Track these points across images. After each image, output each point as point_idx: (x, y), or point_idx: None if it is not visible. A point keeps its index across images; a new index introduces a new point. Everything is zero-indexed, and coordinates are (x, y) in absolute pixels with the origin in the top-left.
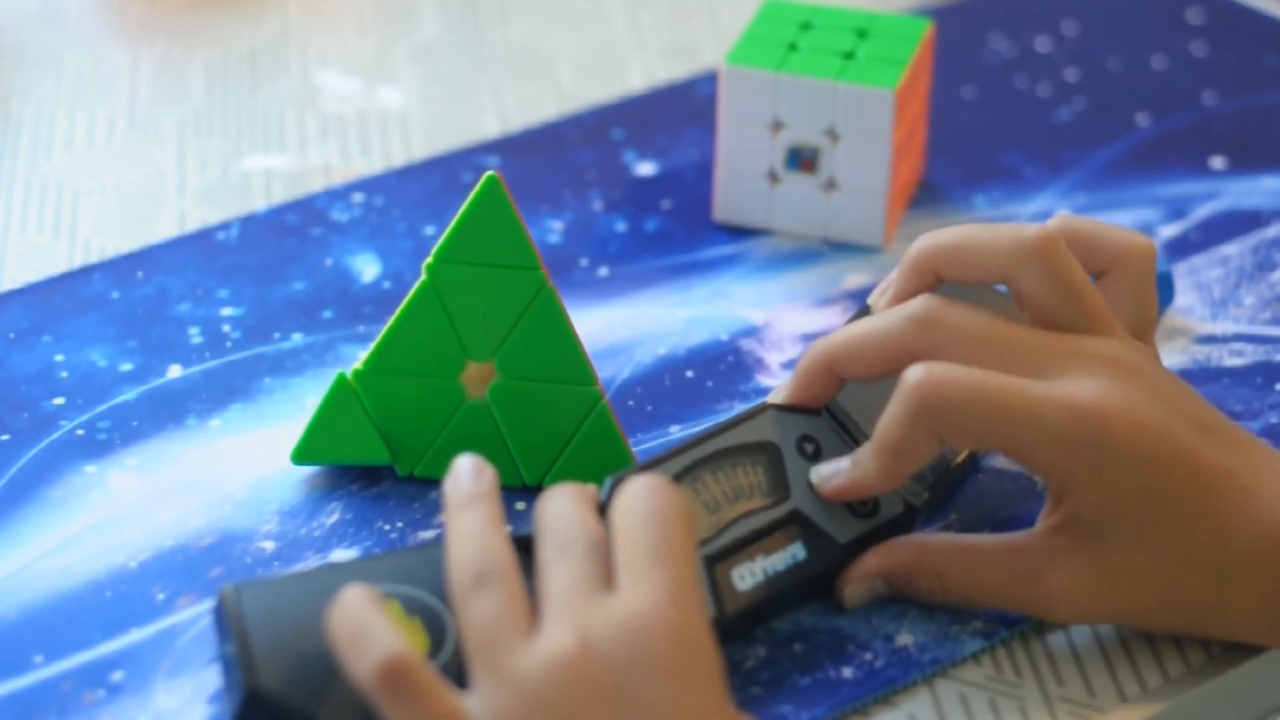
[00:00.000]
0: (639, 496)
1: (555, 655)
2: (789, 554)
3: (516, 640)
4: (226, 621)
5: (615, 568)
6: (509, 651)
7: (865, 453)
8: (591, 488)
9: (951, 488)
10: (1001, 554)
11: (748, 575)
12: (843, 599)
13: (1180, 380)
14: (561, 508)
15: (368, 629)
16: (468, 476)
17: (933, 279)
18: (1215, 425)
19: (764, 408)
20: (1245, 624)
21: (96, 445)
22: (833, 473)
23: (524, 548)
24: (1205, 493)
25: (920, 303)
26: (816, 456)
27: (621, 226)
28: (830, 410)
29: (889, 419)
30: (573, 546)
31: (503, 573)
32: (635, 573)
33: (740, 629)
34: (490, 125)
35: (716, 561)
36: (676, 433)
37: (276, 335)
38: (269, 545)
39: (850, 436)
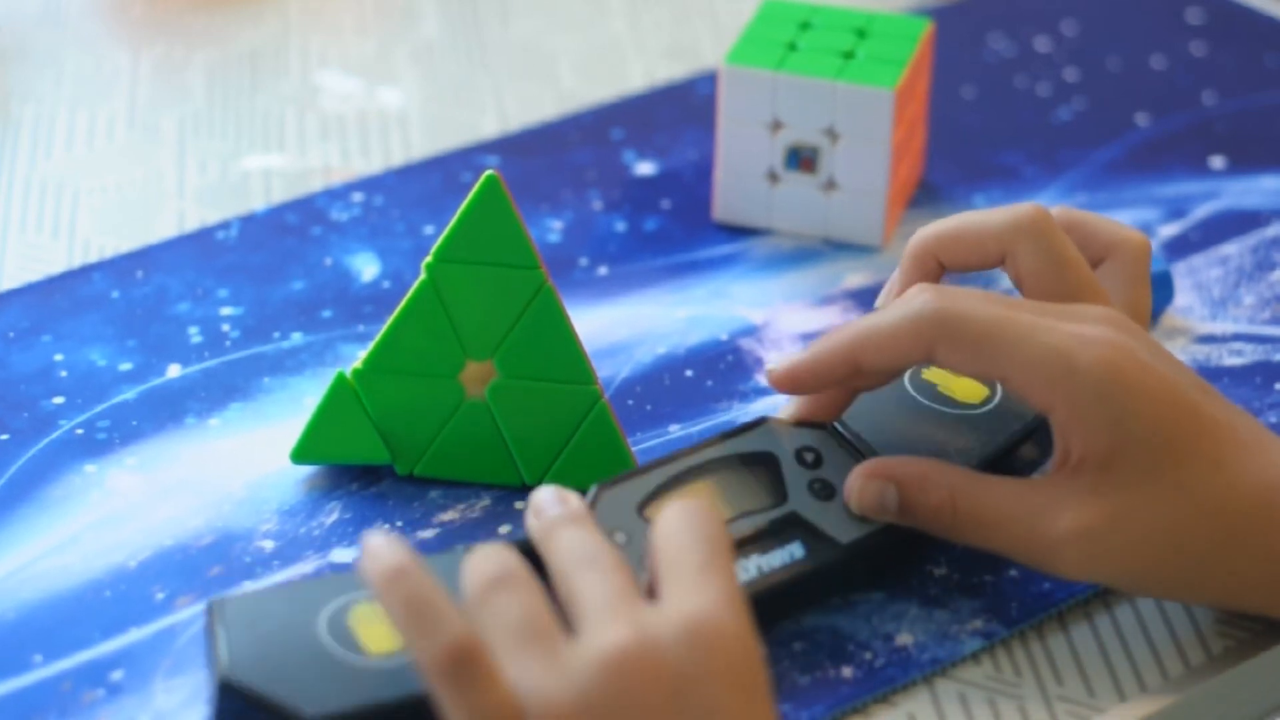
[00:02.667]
0: (683, 517)
1: (613, 646)
2: (786, 552)
3: (557, 635)
4: (209, 630)
5: (659, 583)
6: (554, 644)
7: (831, 335)
8: (579, 500)
9: None
10: (1015, 488)
11: (741, 572)
12: (850, 500)
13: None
14: (574, 533)
15: (434, 606)
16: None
17: (934, 266)
18: (1212, 390)
19: (763, 420)
20: (1253, 584)
21: (96, 445)
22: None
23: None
24: (1212, 441)
25: (920, 291)
26: (817, 465)
27: (621, 226)
28: (835, 426)
29: (889, 313)
30: (599, 560)
31: (522, 576)
32: (688, 582)
33: None
34: (490, 125)
35: None
36: (676, 432)
37: (276, 335)
38: (268, 545)
39: (855, 449)
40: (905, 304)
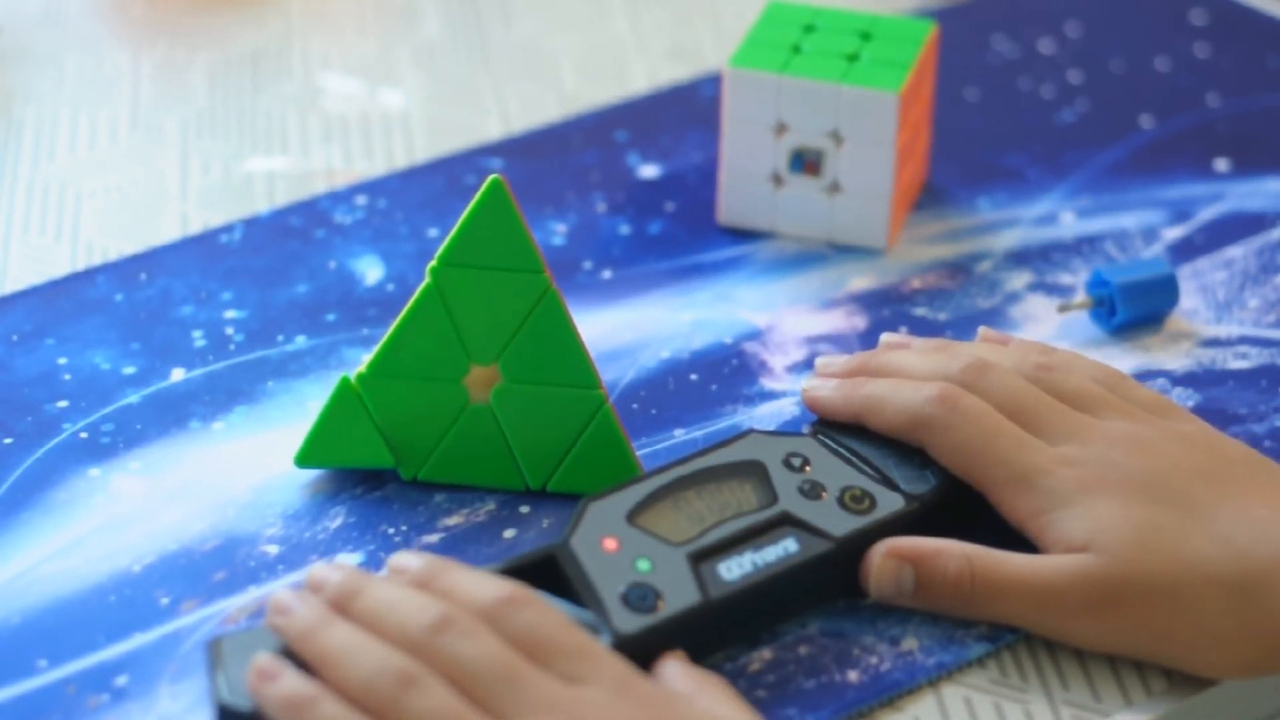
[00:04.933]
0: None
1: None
2: (780, 547)
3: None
4: (210, 667)
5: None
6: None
7: (845, 389)
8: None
9: (962, 502)
10: (1027, 559)
11: (735, 567)
12: (868, 581)
13: (1194, 437)
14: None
15: None
16: (293, 603)
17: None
18: (1215, 474)
19: (749, 431)
20: (1186, 651)
21: (100, 448)
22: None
23: (515, 574)
24: (1188, 518)
25: (931, 388)
26: (805, 468)
27: (625, 229)
28: (818, 435)
29: (897, 396)
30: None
31: (421, 672)
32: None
33: (733, 618)
34: (493, 127)
35: (701, 559)
36: (680, 436)
37: (280, 338)
38: (273, 549)
39: (840, 456)
40: (915, 393)
